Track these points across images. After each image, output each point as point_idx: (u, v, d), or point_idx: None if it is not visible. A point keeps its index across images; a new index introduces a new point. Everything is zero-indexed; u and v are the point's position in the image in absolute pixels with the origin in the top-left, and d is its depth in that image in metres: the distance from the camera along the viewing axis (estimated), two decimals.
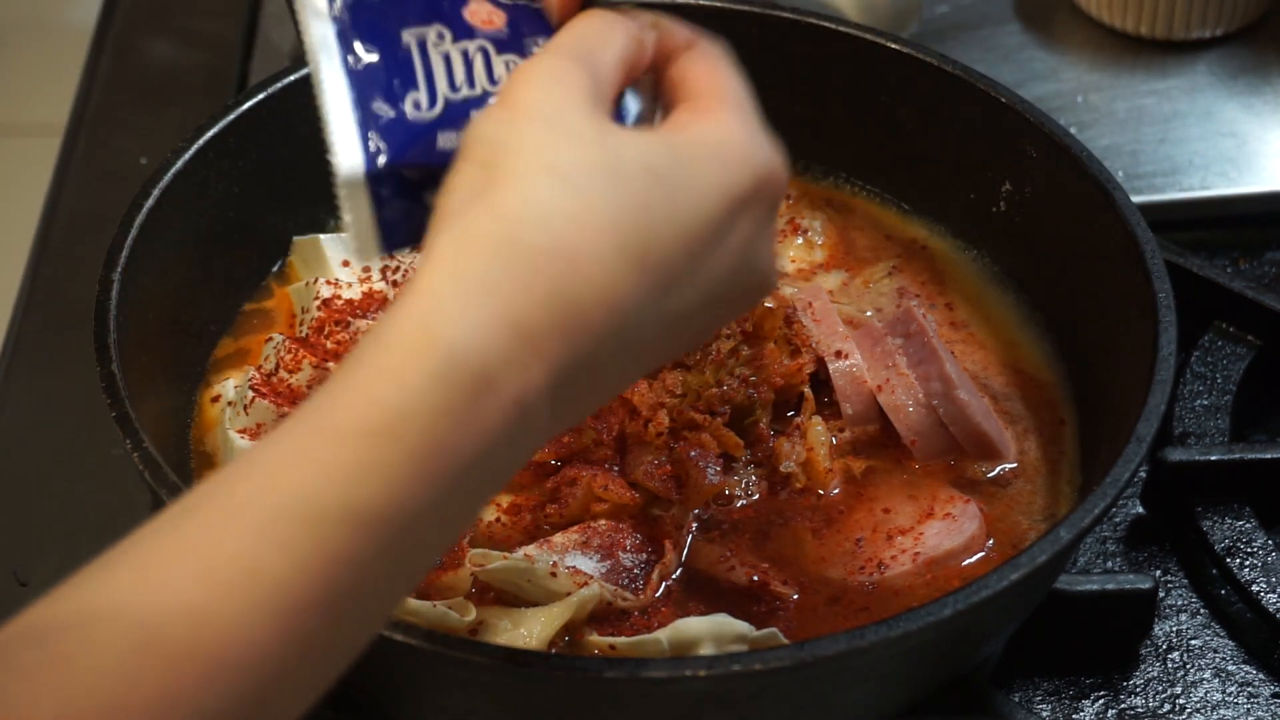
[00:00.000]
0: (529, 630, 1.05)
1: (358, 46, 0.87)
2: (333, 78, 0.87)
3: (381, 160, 0.86)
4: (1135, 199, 1.20)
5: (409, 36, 0.88)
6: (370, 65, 0.87)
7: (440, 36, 0.88)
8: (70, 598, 0.72)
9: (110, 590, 0.72)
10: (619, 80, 0.87)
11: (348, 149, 0.86)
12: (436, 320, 0.77)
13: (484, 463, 0.78)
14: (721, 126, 0.86)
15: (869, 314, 1.26)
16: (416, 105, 0.87)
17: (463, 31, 0.89)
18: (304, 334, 1.21)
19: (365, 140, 0.86)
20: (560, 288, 0.79)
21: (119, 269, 1.13)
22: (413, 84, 0.87)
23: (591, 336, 0.80)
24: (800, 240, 1.33)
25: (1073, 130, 1.26)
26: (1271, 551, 1.19)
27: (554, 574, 1.06)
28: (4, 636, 0.71)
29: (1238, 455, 1.22)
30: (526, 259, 0.79)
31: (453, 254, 0.79)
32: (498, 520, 1.12)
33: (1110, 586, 1.14)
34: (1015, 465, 1.19)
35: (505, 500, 1.13)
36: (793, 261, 1.31)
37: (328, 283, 1.23)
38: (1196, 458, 1.21)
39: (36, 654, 0.70)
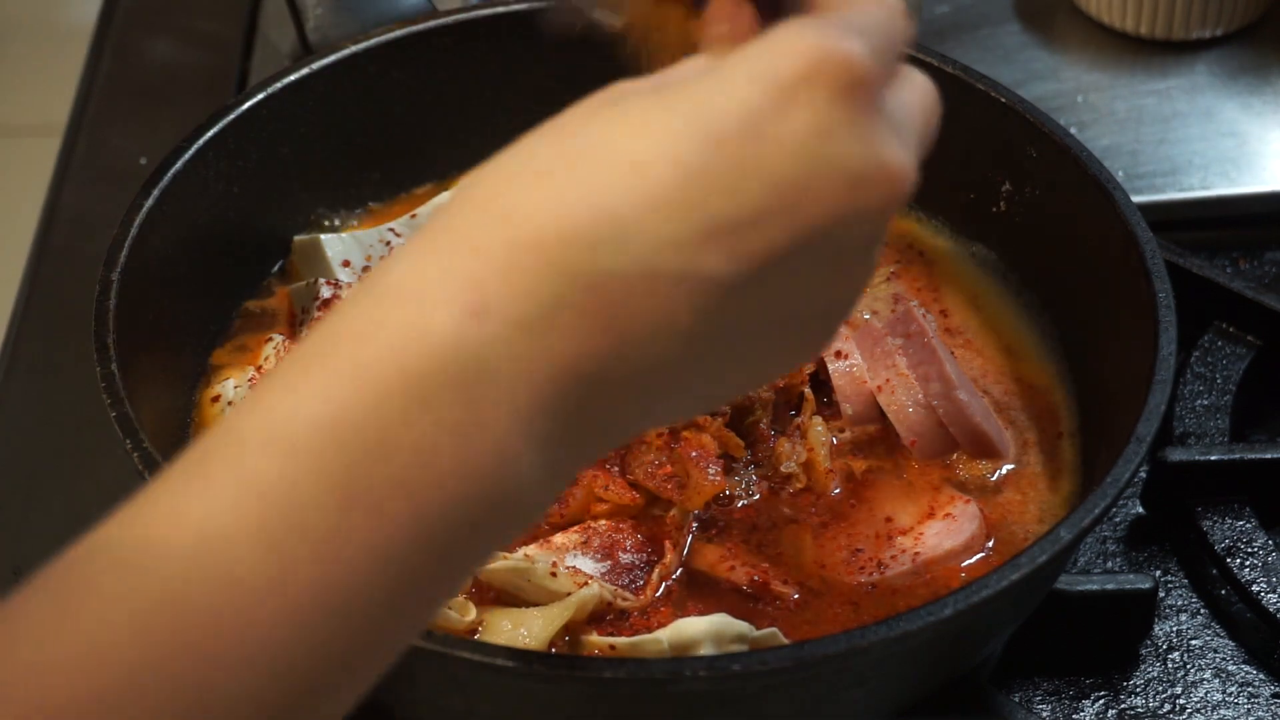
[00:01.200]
0: (529, 630, 1.05)
1: None
2: None
3: None
4: (1135, 199, 1.20)
5: None
6: None
7: None
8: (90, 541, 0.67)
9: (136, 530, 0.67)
10: None
11: None
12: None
13: None
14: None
15: (866, 317, 1.26)
16: None
17: None
18: (304, 334, 1.21)
19: None
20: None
21: (119, 269, 1.13)
22: None
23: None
24: None
25: (1073, 130, 1.26)
26: (1271, 551, 1.19)
27: (554, 574, 1.06)
28: (27, 589, 0.66)
29: (1238, 455, 1.22)
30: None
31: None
32: None
33: (1110, 586, 1.14)
34: (1015, 466, 1.19)
35: None
36: None
37: (327, 283, 1.23)
38: (1196, 458, 1.21)
39: (48, 607, 0.65)
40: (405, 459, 0.67)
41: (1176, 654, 1.17)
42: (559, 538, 1.10)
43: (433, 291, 0.69)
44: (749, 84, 0.73)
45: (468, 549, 0.70)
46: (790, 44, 0.74)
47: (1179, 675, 1.16)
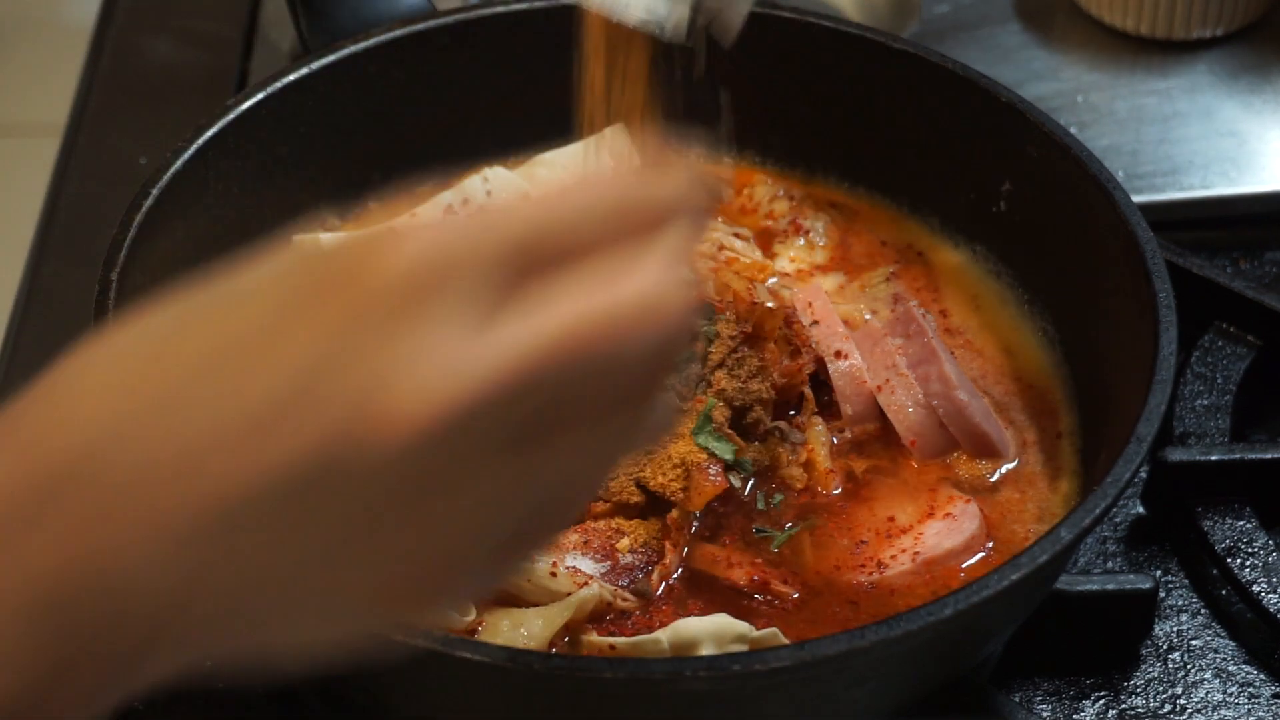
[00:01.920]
0: (529, 630, 1.05)
1: None
2: None
3: None
4: (1135, 199, 1.20)
5: None
6: None
7: None
8: None
9: None
10: None
11: None
12: None
13: None
14: None
15: (867, 317, 1.26)
16: None
17: None
18: None
19: None
20: None
21: (119, 269, 1.13)
22: None
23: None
24: (802, 241, 1.33)
25: (1073, 130, 1.26)
26: (1272, 551, 1.19)
27: (554, 574, 1.06)
28: None
29: (1238, 455, 1.22)
30: None
31: None
32: None
33: (1110, 586, 1.14)
34: (1015, 465, 1.19)
35: None
36: (793, 262, 1.31)
37: None
38: (1197, 458, 1.21)
39: None
40: None
41: (1177, 654, 1.17)
42: (559, 537, 1.10)
43: None
44: (268, 291, 0.68)
45: None
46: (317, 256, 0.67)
47: (1179, 675, 1.16)
